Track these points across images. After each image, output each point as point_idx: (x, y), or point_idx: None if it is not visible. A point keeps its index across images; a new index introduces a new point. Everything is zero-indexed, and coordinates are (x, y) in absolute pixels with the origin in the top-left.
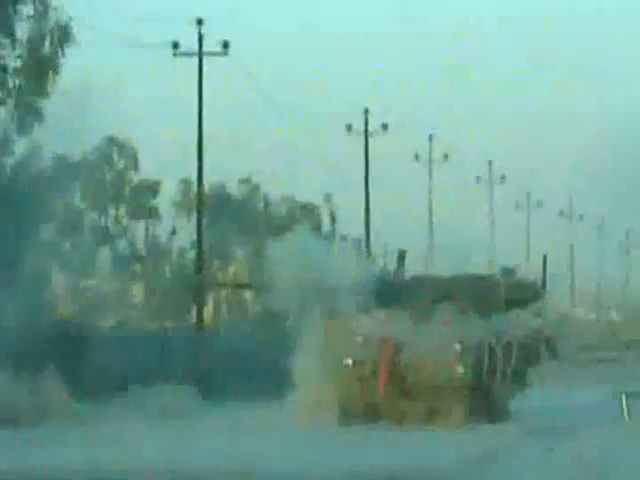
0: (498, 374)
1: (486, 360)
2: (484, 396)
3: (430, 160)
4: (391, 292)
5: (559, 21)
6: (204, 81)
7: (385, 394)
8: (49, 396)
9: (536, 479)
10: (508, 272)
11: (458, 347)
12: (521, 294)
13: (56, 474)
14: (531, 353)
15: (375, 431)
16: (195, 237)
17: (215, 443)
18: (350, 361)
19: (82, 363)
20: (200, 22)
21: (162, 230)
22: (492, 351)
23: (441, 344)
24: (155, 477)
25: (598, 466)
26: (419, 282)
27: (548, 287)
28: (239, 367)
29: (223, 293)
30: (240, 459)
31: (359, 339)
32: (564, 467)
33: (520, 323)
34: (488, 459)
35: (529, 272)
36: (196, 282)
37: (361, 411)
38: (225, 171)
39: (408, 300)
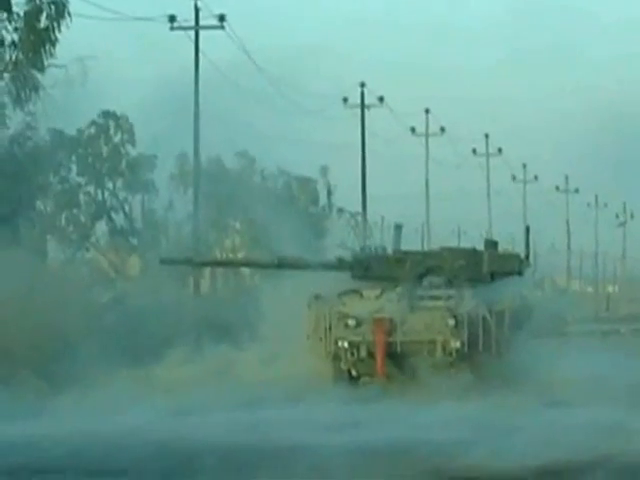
0: (493, 344)
1: (480, 332)
2: (482, 367)
3: (427, 133)
4: (374, 268)
5: (553, 8)
6: (200, 55)
7: (383, 375)
8: None
9: (548, 445)
10: (491, 245)
11: (452, 322)
12: (504, 266)
13: None
14: (522, 322)
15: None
16: (191, 211)
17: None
18: (346, 344)
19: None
20: None
21: (159, 204)
22: (485, 322)
23: (434, 320)
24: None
25: None
26: (402, 257)
27: (532, 259)
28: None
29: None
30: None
31: (351, 321)
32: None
33: (510, 293)
34: (499, 428)
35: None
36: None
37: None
38: (221, 145)
39: (393, 275)
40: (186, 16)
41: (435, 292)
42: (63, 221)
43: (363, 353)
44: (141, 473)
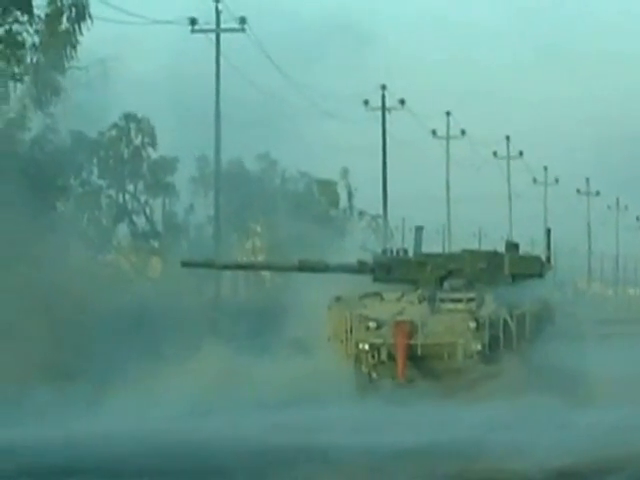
0: (514, 347)
1: (501, 335)
2: (503, 370)
3: (448, 136)
4: (395, 270)
5: (576, 10)
6: (221, 57)
7: (404, 377)
8: None
9: (570, 446)
10: (512, 247)
11: (473, 324)
12: (525, 269)
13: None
14: (544, 324)
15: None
16: (212, 213)
17: None
18: (366, 346)
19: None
20: None
21: (180, 206)
22: (506, 325)
23: (455, 322)
24: None
25: None
26: (423, 259)
27: (553, 262)
28: None
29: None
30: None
31: (372, 324)
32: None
33: (531, 295)
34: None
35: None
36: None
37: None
38: (242, 147)
39: (414, 278)
40: (207, 19)
41: (456, 295)
42: (85, 223)
43: (384, 356)
44: (164, 475)
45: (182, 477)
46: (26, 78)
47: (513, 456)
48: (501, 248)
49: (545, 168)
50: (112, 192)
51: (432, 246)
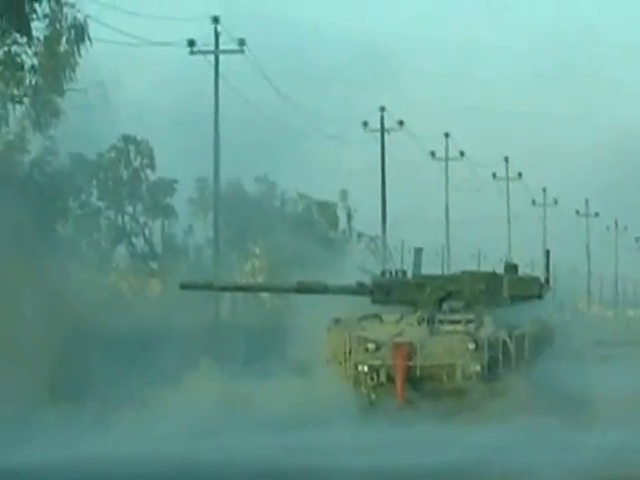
0: (513, 368)
1: (500, 356)
2: (502, 391)
3: (446, 157)
4: (394, 292)
5: (575, 31)
6: (220, 79)
7: (403, 399)
8: None
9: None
10: (511, 268)
11: (472, 346)
12: (525, 290)
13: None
14: (543, 345)
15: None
16: (211, 235)
17: None
18: (365, 368)
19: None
20: (216, 20)
21: (178, 228)
22: (505, 346)
23: (454, 344)
24: None
25: None
26: (422, 281)
27: (552, 283)
28: None
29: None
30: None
31: (371, 345)
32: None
33: (530, 316)
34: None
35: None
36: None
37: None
38: (241, 169)
39: (413, 300)
40: (206, 40)
41: (455, 316)
42: (84, 245)
43: (383, 377)
44: None
45: None
46: (25, 100)
47: (515, 477)
48: (500, 269)
49: (544, 190)
50: (111, 214)
51: (431, 268)
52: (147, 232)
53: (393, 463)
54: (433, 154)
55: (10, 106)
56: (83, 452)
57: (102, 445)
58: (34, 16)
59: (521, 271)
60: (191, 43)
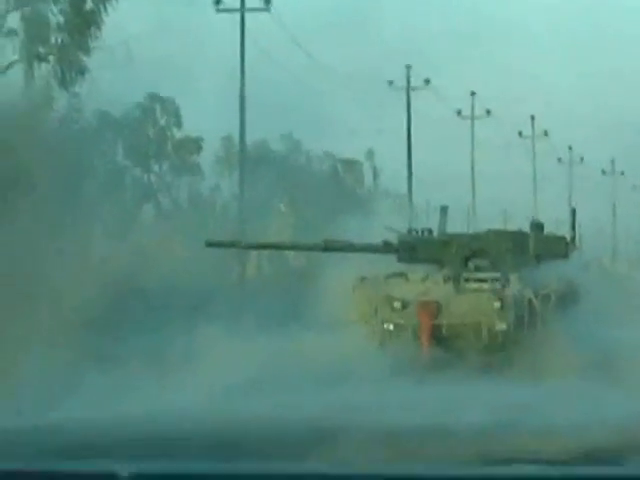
0: (539, 327)
1: (526, 315)
2: (528, 350)
3: (472, 116)
4: (420, 250)
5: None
6: (246, 37)
7: (430, 357)
8: None
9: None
10: (537, 227)
11: (497, 304)
12: (550, 249)
13: None
14: (569, 304)
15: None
16: (237, 193)
17: None
18: (392, 326)
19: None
20: None
21: (205, 186)
22: (531, 305)
23: (480, 302)
24: None
25: None
26: (447, 239)
27: (578, 242)
28: None
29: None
30: None
31: (397, 304)
32: None
33: (556, 275)
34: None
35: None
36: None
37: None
38: (267, 128)
39: (439, 258)
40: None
41: (481, 275)
42: (110, 203)
43: (409, 336)
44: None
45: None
46: (51, 58)
47: (540, 436)
48: (526, 228)
49: (570, 147)
50: (137, 172)
51: (457, 226)
52: (173, 190)
53: (419, 422)
54: (459, 113)
55: (36, 64)
56: (134, 408)
57: (152, 402)
58: None
59: (547, 230)
60: (217, 1)
